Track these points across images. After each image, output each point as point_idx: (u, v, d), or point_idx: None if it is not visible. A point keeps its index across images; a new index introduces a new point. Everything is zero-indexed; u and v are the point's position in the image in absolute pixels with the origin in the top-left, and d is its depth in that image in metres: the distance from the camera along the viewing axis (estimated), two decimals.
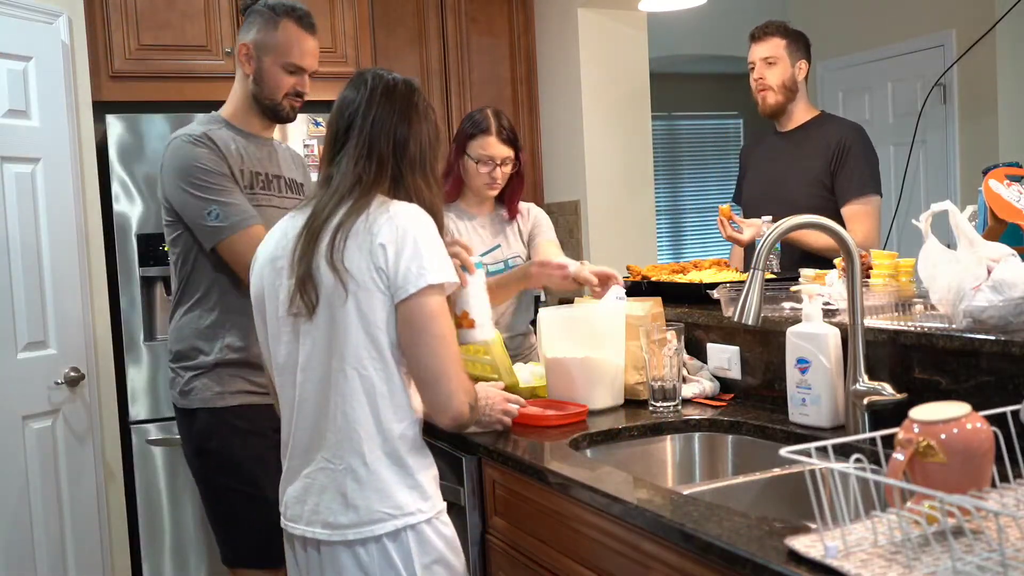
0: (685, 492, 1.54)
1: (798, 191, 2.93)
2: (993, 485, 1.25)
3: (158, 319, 3.35)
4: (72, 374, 3.02)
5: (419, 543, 1.66)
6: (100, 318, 3.23)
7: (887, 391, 1.71)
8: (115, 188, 3.27)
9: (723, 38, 5.40)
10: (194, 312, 2.32)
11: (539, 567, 1.74)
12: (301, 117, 3.51)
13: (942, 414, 1.16)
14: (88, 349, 3.14)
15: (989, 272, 1.59)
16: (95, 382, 3.17)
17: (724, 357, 2.22)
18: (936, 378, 1.70)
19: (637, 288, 2.51)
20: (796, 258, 2.75)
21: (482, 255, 2.50)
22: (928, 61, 4.85)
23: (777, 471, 1.69)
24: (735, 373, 2.20)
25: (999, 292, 1.57)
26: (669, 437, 2.00)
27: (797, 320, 1.90)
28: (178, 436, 2.44)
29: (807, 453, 1.21)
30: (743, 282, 1.78)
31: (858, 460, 1.16)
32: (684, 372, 2.18)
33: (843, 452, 1.48)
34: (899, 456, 1.15)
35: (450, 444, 1.99)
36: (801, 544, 1.15)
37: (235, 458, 2.28)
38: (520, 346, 2.81)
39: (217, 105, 2.44)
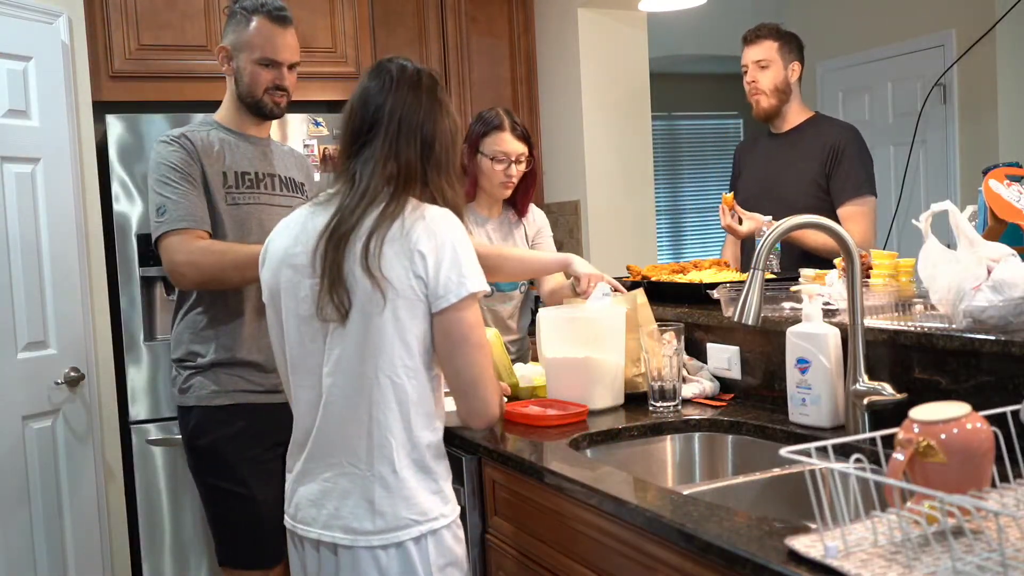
0: (685, 492, 1.54)
1: (794, 192, 2.92)
2: (993, 485, 1.25)
3: (158, 319, 3.35)
4: (72, 374, 3.02)
5: (437, 546, 1.65)
6: (100, 318, 3.23)
7: (887, 391, 1.70)
8: (115, 188, 3.27)
9: (723, 38, 5.38)
10: (190, 315, 2.35)
11: (539, 567, 1.74)
12: (301, 117, 3.52)
13: (942, 414, 1.16)
14: (88, 349, 3.14)
15: (989, 272, 1.59)
16: (95, 382, 3.17)
17: (724, 357, 2.22)
18: (936, 378, 1.70)
19: (637, 288, 2.50)
20: (796, 258, 2.75)
21: None
22: (928, 61, 4.85)
23: (777, 471, 1.69)
24: (735, 373, 2.20)
25: (999, 292, 1.57)
26: (669, 437, 2.00)
27: (797, 320, 1.90)
28: (178, 436, 2.45)
29: (807, 453, 1.21)
30: (743, 282, 1.79)
31: (858, 460, 1.16)
32: (684, 372, 2.18)
33: (843, 452, 1.48)
34: (899, 456, 1.15)
35: (450, 444, 1.99)
36: (801, 544, 1.15)
37: (226, 459, 2.29)
38: (521, 347, 2.82)
39: (217, 105, 2.46)
